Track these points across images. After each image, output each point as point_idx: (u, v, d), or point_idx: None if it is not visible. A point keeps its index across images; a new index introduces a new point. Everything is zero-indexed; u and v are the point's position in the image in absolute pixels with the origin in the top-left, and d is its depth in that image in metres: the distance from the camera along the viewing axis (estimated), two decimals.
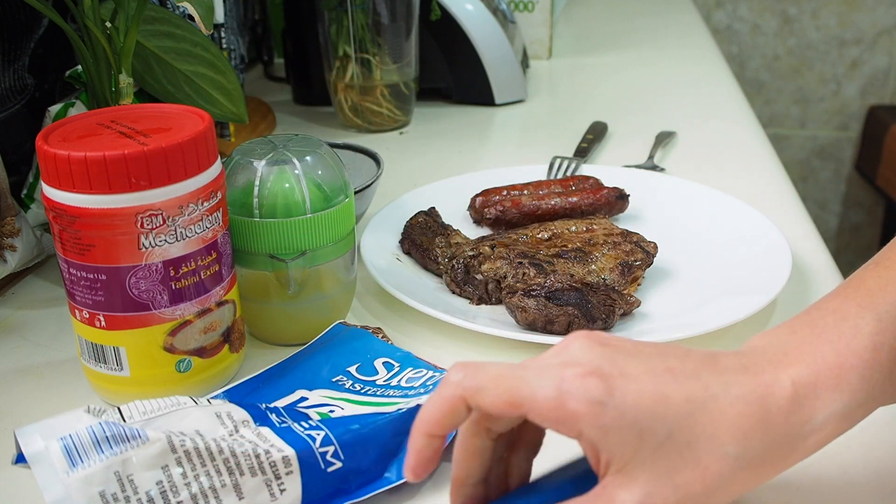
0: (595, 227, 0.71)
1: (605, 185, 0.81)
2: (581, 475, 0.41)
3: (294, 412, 0.50)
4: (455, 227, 0.76)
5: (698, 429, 0.37)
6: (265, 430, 0.46)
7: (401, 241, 0.75)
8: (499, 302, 0.67)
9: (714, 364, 0.40)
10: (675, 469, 0.37)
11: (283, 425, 0.47)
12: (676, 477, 0.37)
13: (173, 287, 0.52)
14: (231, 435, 0.45)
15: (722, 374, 0.39)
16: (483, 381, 0.38)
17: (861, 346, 0.40)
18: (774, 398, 0.38)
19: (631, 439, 0.37)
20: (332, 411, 0.52)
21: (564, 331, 0.60)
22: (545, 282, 0.62)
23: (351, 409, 0.52)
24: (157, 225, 0.50)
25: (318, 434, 0.46)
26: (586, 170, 0.89)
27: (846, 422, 0.40)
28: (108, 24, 0.63)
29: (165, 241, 0.51)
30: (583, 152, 0.97)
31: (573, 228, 0.71)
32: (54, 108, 0.71)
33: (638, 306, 0.64)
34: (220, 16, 0.91)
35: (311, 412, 0.52)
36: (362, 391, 0.54)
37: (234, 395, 0.55)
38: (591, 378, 0.37)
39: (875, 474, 0.49)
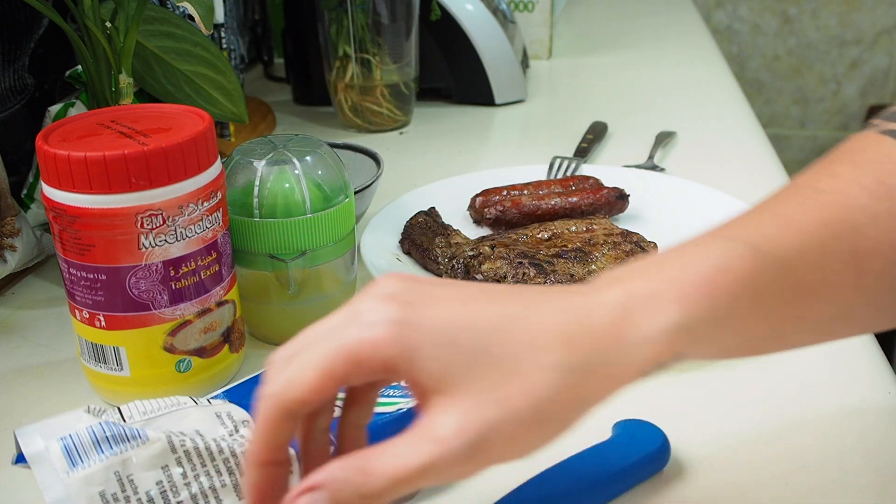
0: (595, 227, 0.71)
1: (605, 185, 0.81)
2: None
3: None
4: (455, 227, 0.76)
5: (517, 338, 0.34)
6: None
7: (401, 241, 0.75)
8: None
9: (541, 289, 0.37)
10: (494, 383, 0.33)
11: None
12: (498, 391, 0.33)
13: (173, 287, 0.52)
14: (231, 435, 0.45)
15: (545, 294, 0.36)
16: (288, 376, 0.34)
17: (707, 265, 0.37)
18: (601, 306, 0.36)
19: (441, 354, 0.33)
20: None
21: None
22: (545, 282, 0.62)
23: None
24: (157, 225, 0.50)
25: None
26: (586, 170, 0.89)
27: (690, 340, 0.36)
28: (108, 24, 0.63)
29: (165, 241, 0.51)
30: (583, 152, 0.97)
31: (573, 228, 0.71)
32: (54, 108, 0.71)
33: None
34: (220, 16, 0.91)
35: None
36: None
37: (234, 395, 0.55)
38: (389, 302, 0.34)
39: (875, 474, 0.49)
